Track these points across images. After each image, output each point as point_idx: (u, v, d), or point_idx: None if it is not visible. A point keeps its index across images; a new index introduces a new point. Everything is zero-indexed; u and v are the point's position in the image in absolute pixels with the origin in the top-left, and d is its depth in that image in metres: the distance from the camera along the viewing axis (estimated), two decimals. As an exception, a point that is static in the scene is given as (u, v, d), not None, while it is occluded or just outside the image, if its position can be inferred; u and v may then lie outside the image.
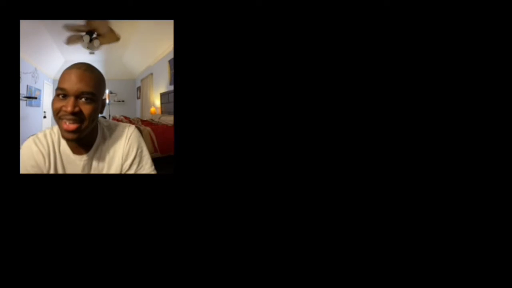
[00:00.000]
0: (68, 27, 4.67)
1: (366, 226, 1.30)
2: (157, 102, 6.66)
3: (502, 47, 1.30)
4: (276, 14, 1.31)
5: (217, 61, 1.31)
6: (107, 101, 1.23)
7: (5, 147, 1.27)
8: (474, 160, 1.30)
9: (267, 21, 1.31)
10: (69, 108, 1.05)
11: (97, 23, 4.61)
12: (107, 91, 1.17)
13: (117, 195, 1.29)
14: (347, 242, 1.30)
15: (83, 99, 1.07)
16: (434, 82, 1.31)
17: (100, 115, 1.16)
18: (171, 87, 5.34)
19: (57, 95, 1.09)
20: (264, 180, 1.31)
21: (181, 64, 1.32)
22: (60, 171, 1.15)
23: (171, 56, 4.97)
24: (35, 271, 1.26)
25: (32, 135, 1.17)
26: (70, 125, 1.07)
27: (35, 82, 6.03)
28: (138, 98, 8.32)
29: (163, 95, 6.25)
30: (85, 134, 1.10)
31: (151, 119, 5.51)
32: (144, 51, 6.02)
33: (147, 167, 1.21)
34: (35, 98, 6.02)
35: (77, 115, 1.07)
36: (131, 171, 1.19)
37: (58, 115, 1.08)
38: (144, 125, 4.35)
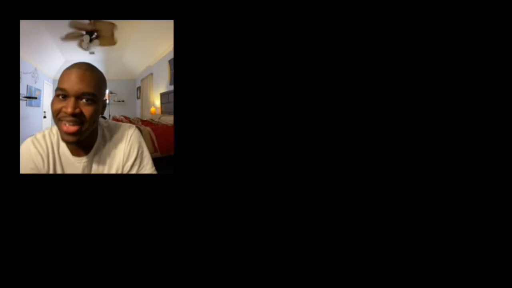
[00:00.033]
0: (68, 27, 4.67)
1: (366, 226, 1.30)
2: (157, 102, 6.66)
3: (502, 47, 1.30)
4: (276, 14, 1.31)
5: (217, 61, 1.31)
6: (107, 101, 1.21)
7: (5, 147, 1.27)
8: (474, 160, 1.30)
9: (267, 21, 1.31)
10: (69, 109, 1.02)
11: (99, 24, 4.61)
12: (107, 91, 1.15)
13: (117, 195, 1.29)
14: (347, 242, 1.30)
15: (84, 100, 1.04)
16: (434, 82, 1.31)
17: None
18: (171, 87, 5.34)
19: (56, 95, 1.05)
20: (264, 180, 1.31)
21: (181, 64, 1.32)
22: (59, 173, 1.12)
23: (171, 56, 4.97)
24: (35, 271, 1.26)
25: (31, 135, 1.14)
26: (70, 127, 1.03)
27: (35, 82, 6.03)
28: (138, 98, 8.32)
29: (163, 95, 6.25)
30: (85, 136, 1.07)
31: (151, 119, 5.51)
32: (144, 51, 6.02)
33: (148, 168, 1.19)
34: (35, 98, 6.02)
35: (77, 117, 1.03)
36: (132, 172, 1.17)
37: (57, 116, 1.05)
38: (144, 125, 4.35)
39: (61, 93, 1.04)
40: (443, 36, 1.31)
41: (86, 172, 1.14)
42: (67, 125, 1.03)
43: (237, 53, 1.31)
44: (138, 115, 7.87)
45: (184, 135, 1.31)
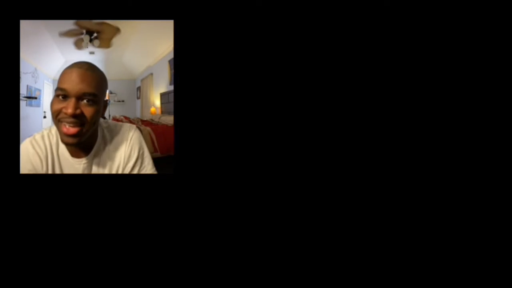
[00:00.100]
0: (68, 25, 4.67)
1: (366, 226, 1.30)
2: (157, 102, 6.67)
3: (502, 47, 1.30)
4: (276, 14, 1.31)
5: (217, 61, 1.31)
6: (108, 101, 1.19)
7: (5, 147, 1.27)
8: (474, 160, 1.30)
9: (267, 21, 1.31)
10: (69, 110, 0.98)
11: (103, 25, 4.62)
12: (107, 91, 1.13)
13: (117, 195, 1.28)
14: (347, 242, 1.30)
15: (85, 101, 1.00)
16: (434, 82, 1.31)
17: None
18: (171, 87, 5.34)
19: (56, 95, 1.01)
20: (264, 180, 1.31)
21: (181, 64, 1.32)
22: (59, 173, 1.10)
23: (171, 56, 4.98)
24: (36, 271, 1.26)
25: (31, 135, 1.11)
26: (70, 129, 0.99)
27: (35, 82, 6.04)
28: (138, 98, 8.32)
29: (163, 95, 6.25)
30: (86, 137, 1.04)
31: (151, 119, 5.52)
32: (144, 51, 6.02)
33: (149, 168, 1.17)
34: (35, 98, 6.02)
35: (78, 118, 0.99)
36: (133, 173, 1.16)
37: (57, 117, 1.01)
38: (144, 125, 4.35)
39: (61, 93, 1.00)
40: (443, 36, 1.31)
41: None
42: (67, 126, 1.00)
43: (237, 53, 1.31)
44: (138, 115, 7.87)
45: (184, 135, 1.31)
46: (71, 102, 0.99)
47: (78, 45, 5.38)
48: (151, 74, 6.91)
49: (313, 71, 1.32)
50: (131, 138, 1.16)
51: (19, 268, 1.25)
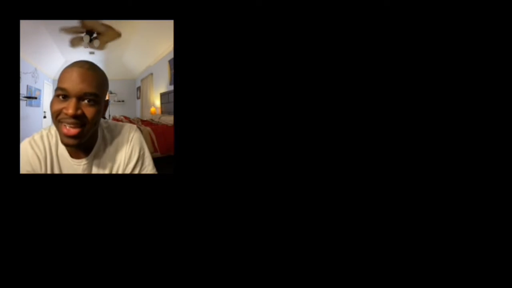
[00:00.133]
0: (68, 28, 4.68)
1: (366, 226, 1.30)
2: (157, 102, 6.67)
3: (502, 47, 1.30)
4: (276, 14, 1.31)
5: (217, 61, 1.31)
6: (109, 101, 1.18)
7: (5, 147, 1.27)
8: (474, 160, 1.30)
9: (267, 21, 1.31)
10: (70, 111, 0.95)
11: (97, 24, 4.61)
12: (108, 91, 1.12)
13: (117, 195, 1.28)
14: (347, 242, 1.30)
15: (86, 101, 0.97)
16: (434, 82, 1.31)
17: None
18: (171, 87, 5.35)
19: (56, 95, 0.98)
20: (264, 180, 1.31)
21: (181, 64, 1.32)
22: (59, 173, 1.09)
23: (171, 56, 4.98)
24: (35, 271, 1.26)
25: (31, 135, 1.10)
26: (71, 130, 0.97)
27: (35, 82, 6.04)
28: (138, 98, 8.33)
29: (163, 95, 6.25)
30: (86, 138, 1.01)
31: (151, 119, 5.52)
32: (144, 51, 6.03)
33: (149, 169, 1.16)
34: (35, 98, 6.02)
35: (78, 119, 0.96)
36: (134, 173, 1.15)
37: (57, 118, 0.98)
38: (144, 125, 4.35)
39: (61, 93, 0.97)
40: (443, 36, 1.31)
41: None
42: (67, 127, 0.97)
43: (237, 53, 1.31)
44: (138, 115, 7.88)
45: (184, 135, 1.31)
46: (72, 102, 0.96)
47: (75, 43, 5.36)
48: (151, 74, 6.91)
49: (313, 71, 1.32)
50: (131, 139, 1.14)
51: (19, 268, 1.25)
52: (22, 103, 5.34)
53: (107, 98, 1.10)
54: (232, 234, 1.30)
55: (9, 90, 1.28)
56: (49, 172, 1.07)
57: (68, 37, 5.10)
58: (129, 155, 1.13)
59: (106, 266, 1.27)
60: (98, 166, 1.11)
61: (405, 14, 1.31)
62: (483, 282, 1.27)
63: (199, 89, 1.31)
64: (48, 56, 5.91)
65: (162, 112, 6.25)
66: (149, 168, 1.16)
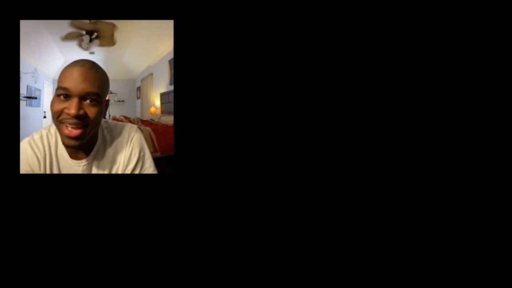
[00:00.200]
0: (68, 27, 4.67)
1: (366, 226, 1.30)
2: (157, 102, 6.67)
3: (502, 47, 1.30)
4: (276, 14, 1.31)
5: (217, 61, 1.31)
6: (109, 101, 1.17)
7: (5, 147, 1.27)
8: (474, 160, 1.30)
9: (267, 21, 1.31)
10: (72, 111, 0.93)
11: (99, 24, 4.61)
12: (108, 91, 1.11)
13: (117, 195, 1.28)
14: (347, 242, 1.30)
15: (88, 101, 0.96)
16: (434, 82, 1.31)
17: None
18: (171, 87, 5.34)
19: (57, 95, 0.96)
20: (264, 180, 1.31)
21: (181, 64, 1.32)
22: (59, 174, 1.08)
23: (171, 56, 4.98)
24: (36, 271, 1.25)
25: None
26: (73, 131, 0.95)
27: (35, 82, 6.03)
28: (138, 98, 8.32)
29: (163, 95, 6.25)
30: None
31: (151, 119, 5.52)
32: (144, 51, 6.02)
33: (150, 171, 1.14)
34: (35, 98, 6.02)
35: (81, 119, 0.94)
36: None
37: (58, 118, 0.96)
38: (144, 125, 4.35)
39: (63, 93, 0.95)
40: (443, 36, 1.31)
41: None
42: (69, 128, 0.95)
43: (237, 53, 1.31)
44: (138, 115, 7.87)
45: (184, 135, 1.31)
46: (74, 102, 0.94)
47: (71, 40, 5.35)
48: (151, 74, 6.91)
49: (313, 71, 1.31)
50: (131, 140, 1.13)
51: (19, 268, 1.25)
52: (22, 103, 5.34)
53: (107, 98, 1.09)
54: (232, 234, 1.30)
55: (9, 90, 1.28)
56: (48, 172, 1.06)
57: (70, 40, 5.10)
58: (128, 156, 1.12)
59: (106, 266, 1.27)
60: (98, 167, 1.10)
61: (405, 14, 1.31)
62: (483, 282, 1.27)
63: (199, 89, 1.31)
64: (48, 56, 5.91)
65: (162, 112, 6.24)
66: (150, 170, 1.15)
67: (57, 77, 1.04)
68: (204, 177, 1.30)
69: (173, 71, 5.04)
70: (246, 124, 1.31)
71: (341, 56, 1.31)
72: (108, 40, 5.24)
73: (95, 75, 0.98)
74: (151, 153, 1.21)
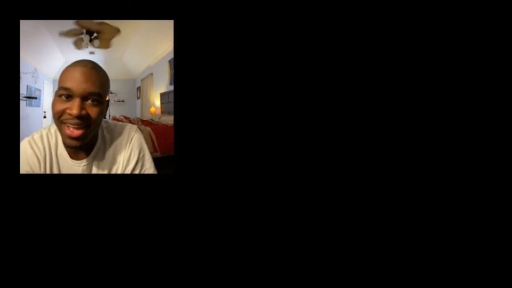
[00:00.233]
0: (68, 25, 4.67)
1: (366, 226, 1.30)
2: (157, 102, 6.67)
3: (502, 47, 1.30)
4: (276, 14, 1.31)
5: (217, 61, 1.31)
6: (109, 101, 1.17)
7: (5, 147, 1.27)
8: (474, 160, 1.30)
9: (267, 21, 1.31)
10: (75, 111, 0.93)
11: (103, 25, 4.61)
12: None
13: (117, 195, 1.28)
14: (347, 242, 1.30)
15: (90, 101, 0.96)
16: (434, 82, 1.31)
17: None
18: (171, 87, 5.34)
19: (59, 95, 0.96)
20: (264, 180, 1.31)
21: (181, 64, 1.32)
22: (59, 173, 1.08)
23: (171, 56, 4.98)
24: (36, 271, 1.25)
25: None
26: (74, 131, 0.95)
27: (35, 82, 6.04)
28: (138, 98, 8.32)
29: (163, 95, 6.25)
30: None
31: (151, 119, 5.52)
32: (144, 51, 6.02)
33: (151, 172, 1.14)
34: (35, 98, 6.02)
35: (83, 119, 0.94)
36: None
37: (60, 118, 0.96)
38: (144, 125, 4.35)
39: (65, 93, 0.95)
40: (443, 36, 1.31)
41: None
42: (71, 128, 0.95)
43: (237, 53, 1.31)
44: (138, 115, 7.87)
45: (184, 135, 1.31)
46: (76, 103, 0.94)
47: (78, 45, 5.37)
48: (151, 74, 6.91)
49: (313, 71, 1.31)
50: (131, 140, 1.13)
51: (19, 268, 1.25)
52: (22, 103, 5.34)
53: (107, 98, 1.09)
54: (232, 234, 1.30)
55: (9, 90, 1.28)
56: (48, 172, 1.06)
57: (68, 37, 5.10)
58: (128, 157, 1.12)
59: (106, 266, 1.27)
60: (98, 167, 1.10)
61: (405, 14, 1.31)
62: (483, 282, 1.27)
63: (199, 89, 1.31)
64: (48, 56, 5.91)
65: (162, 112, 6.24)
66: (149, 171, 1.15)
67: (57, 77, 1.04)
68: (204, 177, 1.30)
69: (173, 71, 5.04)
70: (246, 124, 1.31)
71: (341, 56, 1.31)
72: (106, 43, 5.25)
73: (97, 75, 0.98)
74: (151, 153, 1.21)
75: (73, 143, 0.97)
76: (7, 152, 1.26)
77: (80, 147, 1.00)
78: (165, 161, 3.26)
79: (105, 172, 1.11)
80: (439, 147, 1.30)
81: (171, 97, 5.32)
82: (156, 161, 1.24)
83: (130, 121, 5.59)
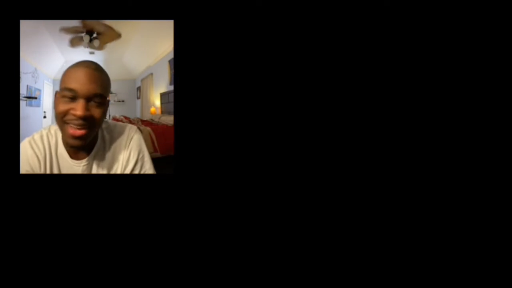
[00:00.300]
0: (68, 28, 4.67)
1: (366, 226, 1.30)
2: (157, 102, 6.67)
3: (502, 47, 1.30)
4: (276, 14, 1.31)
5: (217, 61, 1.31)
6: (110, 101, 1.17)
7: (5, 147, 1.27)
8: (474, 160, 1.30)
9: (267, 21, 1.31)
10: (79, 112, 0.93)
11: (97, 23, 4.61)
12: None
13: (117, 195, 1.28)
14: (347, 242, 1.30)
15: (93, 102, 0.97)
16: (434, 82, 1.31)
17: None
18: (171, 87, 5.35)
19: (62, 96, 0.96)
20: (264, 180, 1.31)
21: (181, 64, 1.32)
22: (59, 173, 1.08)
23: (171, 56, 4.98)
24: (36, 271, 1.26)
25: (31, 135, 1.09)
26: (77, 131, 0.95)
27: (35, 82, 6.04)
28: (138, 98, 8.33)
29: (163, 95, 6.25)
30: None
31: (151, 119, 5.52)
32: (144, 51, 6.02)
33: (150, 173, 1.15)
34: (35, 98, 6.03)
35: (86, 120, 0.95)
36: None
37: (63, 119, 0.96)
38: (144, 125, 4.35)
39: (69, 94, 0.95)
40: (443, 36, 1.31)
41: None
42: (74, 128, 0.96)
43: (237, 53, 1.31)
44: (138, 115, 7.88)
45: (184, 135, 1.31)
46: (80, 103, 0.95)
47: (74, 43, 5.36)
48: (151, 74, 6.91)
49: (313, 71, 1.32)
50: (130, 141, 1.13)
51: (19, 268, 1.25)
52: (22, 103, 5.34)
53: (108, 98, 1.09)
54: (232, 234, 1.30)
55: (9, 90, 1.28)
56: (48, 172, 1.06)
57: (68, 37, 5.10)
58: (127, 158, 1.12)
59: (106, 266, 1.27)
60: (98, 167, 1.11)
61: (405, 14, 1.31)
62: (483, 282, 1.27)
63: (199, 89, 1.31)
64: (48, 56, 5.91)
65: (162, 112, 6.24)
66: (149, 172, 1.15)
67: (57, 77, 1.05)
68: (204, 177, 1.30)
69: (173, 71, 5.05)
70: (246, 124, 1.31)
71: (341, 56, 1.31)
72: (105, 44, 5.25)
73: (100, 76, 0.99)
74: (151, 153, 1.20)
75: (76, 142, 0.97)
76: (7, 152, 1.26)
77: (82, 146, 1.00)
78: (165, 161, 3.26)
79: (105, 172, 1.11)
80: (439, 147, 1.30)
81: (171, 97, 5.32)
82: (156, 161, 1.24)
83: (130, 121, 5.59)
